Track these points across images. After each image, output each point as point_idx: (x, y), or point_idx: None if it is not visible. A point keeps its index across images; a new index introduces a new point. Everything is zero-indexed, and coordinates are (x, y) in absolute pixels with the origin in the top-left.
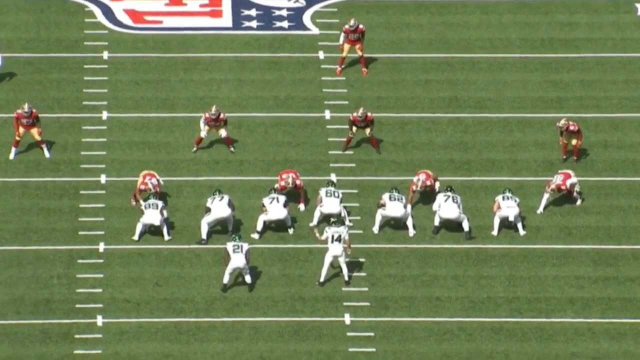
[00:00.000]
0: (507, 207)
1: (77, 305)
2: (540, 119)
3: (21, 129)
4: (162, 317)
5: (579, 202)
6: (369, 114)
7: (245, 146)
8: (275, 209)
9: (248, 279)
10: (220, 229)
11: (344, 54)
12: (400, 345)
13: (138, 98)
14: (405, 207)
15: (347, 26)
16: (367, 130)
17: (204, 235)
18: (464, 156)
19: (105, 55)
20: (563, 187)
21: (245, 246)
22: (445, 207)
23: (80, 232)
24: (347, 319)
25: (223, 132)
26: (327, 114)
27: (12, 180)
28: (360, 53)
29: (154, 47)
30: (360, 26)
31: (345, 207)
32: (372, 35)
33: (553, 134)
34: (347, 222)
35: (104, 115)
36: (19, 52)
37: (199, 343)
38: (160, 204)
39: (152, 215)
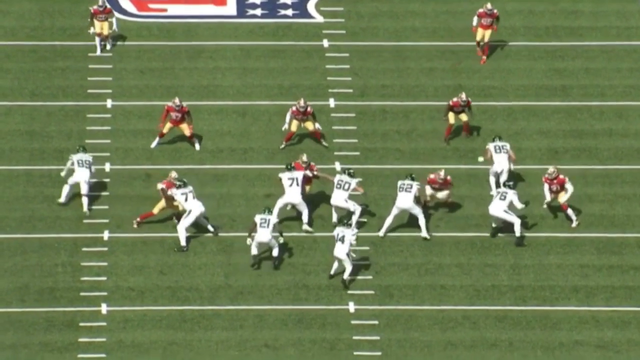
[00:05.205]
0: (498, 163)
1: (82, 293)
2: (545, 107)
3: (168, 124)
4: (167, 305)
5: (574, 224)
6: (469, 99)
7: (250, 134)
8: (292, 192)
9: (275, 252)
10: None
11: (478, 39)
12: (404, 334)
13: (142, 86)
14: (416, 202)
15: (481, 10)
16: (464, 116)
17: (211, 228)
18: (469, 144)
19: (110, 43)
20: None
21: (273, 220)
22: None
23: (85, 220)
24: (352, 307)
25: (311, 126)
26: (332, 102)
27: (17, 168)
28: (487, 39)
29: (158, 35)
30: (495, 11)
31: (354, 203)
32: (376, 23)
33: (557, 122)
34: (355, 217)
35: (109, 103)
36: (23, 40)
37: (203, 331)
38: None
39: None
